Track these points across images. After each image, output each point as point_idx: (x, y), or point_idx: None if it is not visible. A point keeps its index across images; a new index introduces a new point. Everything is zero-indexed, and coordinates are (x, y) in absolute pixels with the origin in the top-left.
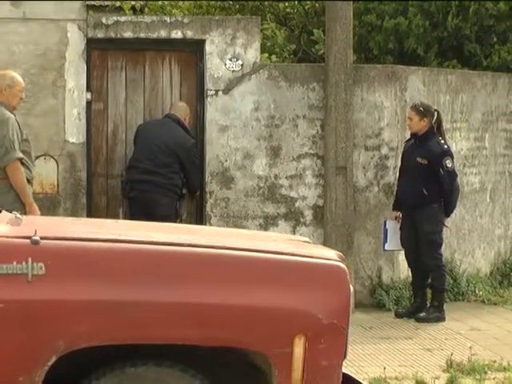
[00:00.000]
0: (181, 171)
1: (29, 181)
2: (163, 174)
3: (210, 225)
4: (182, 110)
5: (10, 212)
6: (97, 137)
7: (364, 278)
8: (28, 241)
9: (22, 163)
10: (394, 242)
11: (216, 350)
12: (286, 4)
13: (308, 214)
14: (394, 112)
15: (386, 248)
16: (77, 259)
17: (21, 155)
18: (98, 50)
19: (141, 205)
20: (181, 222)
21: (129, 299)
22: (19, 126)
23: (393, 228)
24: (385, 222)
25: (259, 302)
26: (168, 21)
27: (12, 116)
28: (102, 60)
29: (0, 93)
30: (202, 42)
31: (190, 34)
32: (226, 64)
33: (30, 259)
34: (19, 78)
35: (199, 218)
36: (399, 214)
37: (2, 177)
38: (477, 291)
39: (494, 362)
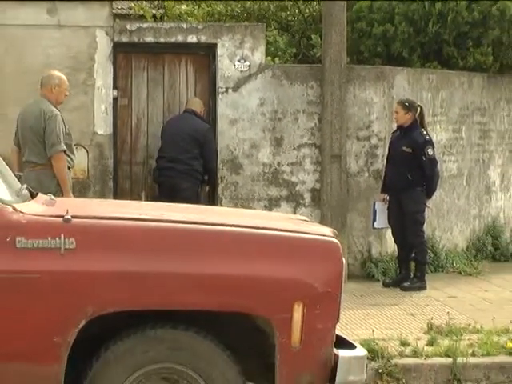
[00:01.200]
0: (200, 157)
1: (69, 168)
2: (184, 160)
3: (221, 206)
4: (198, 104)
5: (51, 194)
6: (122, 129)
7: (356, 253)
8: (61, 219)
9: (65, 154)
10: (381, 221)
11: (225, 314)
12: (288, 13)
13: (307, 197)
14: (382, 107)
15: (375, 226)
16: (103, 235)
17: (64, 148)
18: (123, 53)
19: (166, 189)
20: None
21: (149, 270)
22: (63, 122)
23: (381, 208)
24: (374, 204)
25: (263, 273)
26: (184, 27)
27: (58, 113)
28: (127, 62)
29: (49, 91)
30: (214, 46)
31: (203, 38)
32: (235, 65)
33: (62, 235)
34: (64, 78)
35: (212, 199)
36: (386, 196)
37: (49, 164)
38: (454, 264)
39: (469, 325)
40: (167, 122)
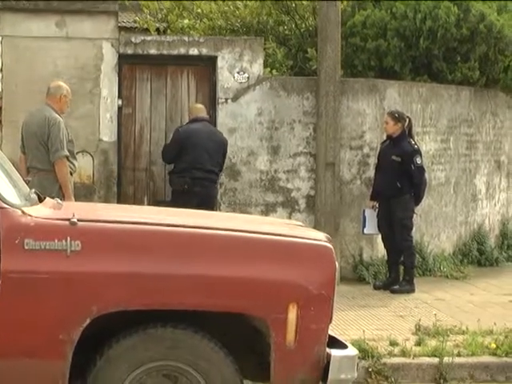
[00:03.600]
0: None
1: (71, 173)
2: (215, 171)
3: (220, 211)
4: (205, 110)
5: (53, 198)
6: (126, 136)
7: (348, 257)
8: (67, 222)
9: (68, 160)
10: (371, 227)
11: (223, 315)
12: (285, 27)
13: (302, 203)
14: (374, 118)
15: (364, 232)
16: (108, 237)
17: (67, 153)
18: (128, 64)
19: (201, 198)
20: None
21: (150, 272)
22: (66, 129)
23: (370, 215)
24: (363, 211)
25: (260, 275)
26: (186, 40)
27: (62, 120)
28: (131, 72)
29: (57, 100)
30: (214, 58)
31: (204, 51)
32: (234, 77)
33: (68, 238)
34: (69, 88)
35: None
36: (376, 203)
37: (51, 169)
38: (441, 268)
39: (455, 326)
40: (191, 132)
